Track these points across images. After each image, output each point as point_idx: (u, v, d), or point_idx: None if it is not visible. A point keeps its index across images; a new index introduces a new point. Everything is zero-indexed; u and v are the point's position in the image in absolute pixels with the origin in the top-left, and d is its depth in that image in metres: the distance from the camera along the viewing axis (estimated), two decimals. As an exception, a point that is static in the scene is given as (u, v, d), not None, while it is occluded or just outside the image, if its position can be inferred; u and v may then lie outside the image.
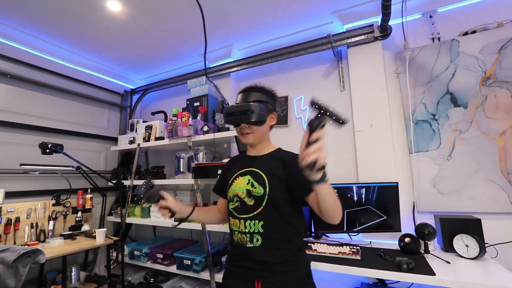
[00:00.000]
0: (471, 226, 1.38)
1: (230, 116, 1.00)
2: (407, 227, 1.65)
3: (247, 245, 0.96)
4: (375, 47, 1.91)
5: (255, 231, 0.96)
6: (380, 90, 1.86)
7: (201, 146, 2.27)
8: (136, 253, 2.22)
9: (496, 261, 1.32)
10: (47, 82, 2.32)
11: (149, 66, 2.85)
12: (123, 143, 2.63)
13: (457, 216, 1.48)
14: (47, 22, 2.01)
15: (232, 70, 2.42)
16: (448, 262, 1.27)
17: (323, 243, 1.57)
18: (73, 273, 1.97)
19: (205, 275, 1.89)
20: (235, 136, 1.97)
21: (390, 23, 1.74)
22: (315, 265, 1.32)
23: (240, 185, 1.02)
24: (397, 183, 1.65)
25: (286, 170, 0.98)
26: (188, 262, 1.93)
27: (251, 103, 0.98)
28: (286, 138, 2.01)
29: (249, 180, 1.01)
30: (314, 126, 0.69)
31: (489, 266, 1.23)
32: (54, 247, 1.83)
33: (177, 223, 1.09)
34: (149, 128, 2.46)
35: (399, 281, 1.32)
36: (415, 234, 1.45)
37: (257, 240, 0.95)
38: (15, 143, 2.10)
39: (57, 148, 1.95)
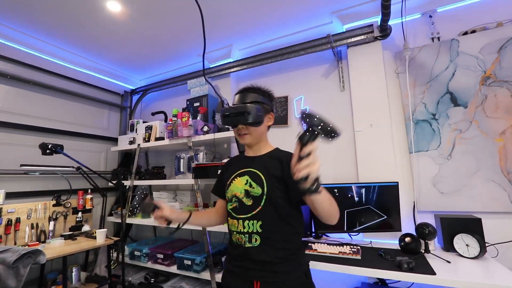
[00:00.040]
0: (472, 226, 1.38)
1: (227, 118, 1.01)
2: (407, 226, 1.66)
3: (246, 245, 0.96)
4: (375, 47, 1.91)
5: (254, 231, 0.96)
6: (380, 90, 1.86)
7: (201, 146, 2.27)
8: (136, 253, 2.23)
9: (497, 260, 1.32)
10: (47, 83, 2.32)
11: (149, 66, 2.85)
12: (123, 144, 2.64)
13: (457, 216, 1.48)
14: (47, 23, 2.01)
15: (232, 70, 2.42)
16: (449, 262, 1.27)
17: (324, 243, 1.57)
18: (73, 274, 1.98)
19: (206, 275, 1.89)
20: (235, 136, 1.97)
21: (390, 23, 1.74)
22: (315, 265, 1.33)
23: (238, 185, 1.03)
24: (397, 182, 1.65)
25: (284, 170, 0.98)
26: (189, 262, 1.93)
27: (248, 104, 0.99)
28: (286, 138, 2.00)
29: (247, 180, 1.01)
30: (304, 140, 0.68)
31: (489, 266, 1.23)
32: (55, 248, 1.83)
33: (174, 230, 1.10)
34: (149, 128, 2.47)
35: (399, 281, 1.32)
36: (415, 234, 1.45)
37: (256, 240, 0.95)
38: (16, 143, 2.10)
39: (57, 149, 1.95)
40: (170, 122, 2.28)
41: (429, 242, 1.42)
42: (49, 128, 2.32)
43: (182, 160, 2.30)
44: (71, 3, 1.79)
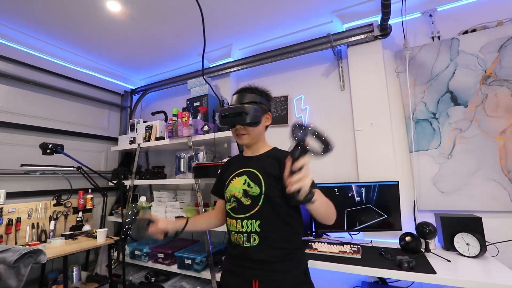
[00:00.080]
0: (472, 225, 1.38)
1: (225, 118, 1.02)
2: (407, 226, 1.65)
3: (244, 245, 0.97)
4: (375, 46, 1.90)
5: (252, 230, 0.96)
6: (380, 89, 1.86)
7: (201, 146, 2.27)
8: (137, 252, 2.23)
9: (497, 259, 1.32)
10: (47, 83, 2.32)
11: (149, 66, 2.85)
12: (124, 143, 2.64)
13: (457, 215, 1.48)
14: (47, 23, 2.01)
15: (232, 70, 2.42)
16: (449, 261, 1.27)
17: (324, 242, 1.57)
18: (74, 273, 1.98)
19: (206, 274, 1.89)
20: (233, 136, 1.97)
21: (390, 22, 1.74)
22: (316, 264, 1.33)
23: (237, 185, 1.03)
24: (398, 182, 1.65)
25: (282, 169, 0.98)
26: (189, 262, 1.93)
27: (246, 105, 0.99)
28: (286, 137, 2.00)
29: (245, 180, 1.02)
30: (296, 155, 0.69)
31: (490, 265, 1.23)
32: (55, 247, 1.84)
33: (172, 237, 1.09)
34: (149, 128, 2.47)
35: (400, 280, 1.33)
36: (415, 233, 1.45)
37: (254, 239, 0.96)
38: (16, 143, 2.10)
39: (57, 149, 1.95)
40: (170, 122, 2.28)
41: (429, 241, 1.42)
42: (50, 128, 2.32)
43: (182, 159, 2.30)
44: (71, 3, 1.79)
